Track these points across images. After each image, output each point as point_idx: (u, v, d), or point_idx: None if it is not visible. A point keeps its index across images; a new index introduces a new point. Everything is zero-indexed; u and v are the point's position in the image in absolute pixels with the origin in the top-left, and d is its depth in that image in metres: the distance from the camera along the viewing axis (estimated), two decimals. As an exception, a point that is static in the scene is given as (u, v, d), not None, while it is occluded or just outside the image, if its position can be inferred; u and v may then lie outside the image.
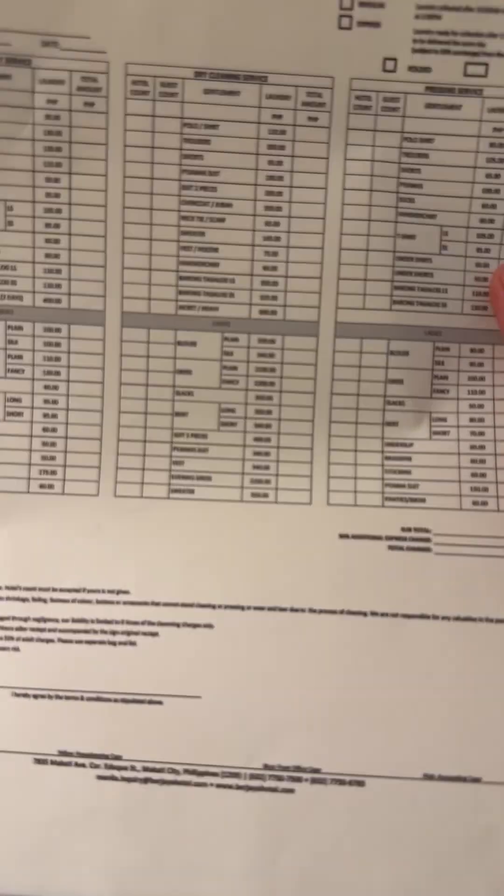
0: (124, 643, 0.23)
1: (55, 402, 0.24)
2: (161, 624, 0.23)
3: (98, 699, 0.23)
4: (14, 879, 0.22)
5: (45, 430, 0.24)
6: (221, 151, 0.23)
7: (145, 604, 0.23)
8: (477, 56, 0.22)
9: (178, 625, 0.23)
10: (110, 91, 0.22)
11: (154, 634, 0.23)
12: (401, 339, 0.24)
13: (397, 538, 0.24)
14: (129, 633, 0.23)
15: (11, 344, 0.24)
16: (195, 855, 0.22)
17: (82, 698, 0.23)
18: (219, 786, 0.22)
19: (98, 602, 0.24)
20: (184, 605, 0.23)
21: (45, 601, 0.23)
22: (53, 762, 0.22)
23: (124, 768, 0.22)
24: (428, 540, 0.24)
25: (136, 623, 0.23)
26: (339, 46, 0.22)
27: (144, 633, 0.23)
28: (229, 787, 0.22)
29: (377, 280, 0.24)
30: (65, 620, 0.23)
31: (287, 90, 0.23)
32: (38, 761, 0.22)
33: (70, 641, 0.23)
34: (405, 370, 0.24)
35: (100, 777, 0.22)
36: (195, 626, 0.23)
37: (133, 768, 0.22)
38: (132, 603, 0.24)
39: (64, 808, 0.22)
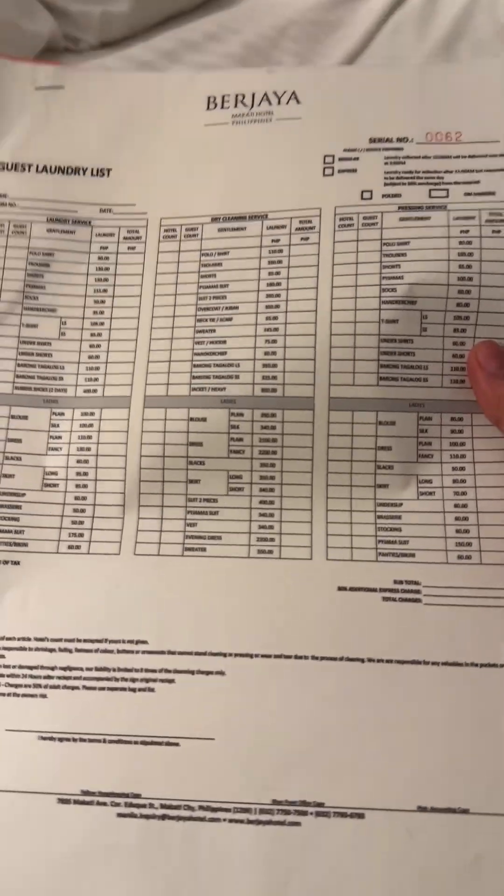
0: (143, 689, 0.25)
1: (86, 474, 0.28)
2: (177, 671, 0.25)
3: (119, 741, 0.24)
4: None
5: (76, 498, 0.28)
6: (230, 269, 0.29)
7: (162, 653, 0.25)
8: (438, 185, 0.28)
9: (192, 672, 0.25)
10: (147, 238, 0.30)
11: (171, 681, 0.25)
12: (388, 410, 0.27)
13: (390, 590, 0.25)
14: (147, 681, 0.25)
15: (54, 427, 0.28)
16: (209, 885, 0.22)
17: (104, 741, 0.24)
18: (231, 820, 0.23)
19: (119, 651, 0.25)
20: (197, 653, 0.25)
21: (70, 651, 0.25)
22: (76, 801, 0.23)
23: (143, 805, 0.23)
24: (418, 591, 0.25)
25: (154, 671, 0.25)
26: (325, 187, 0.29)
27: (162, 680, 0.25)
28: (241, 821, 0.23)
29: (365, 360, 0.27)
30: (88, 669, 0.25)
31: (283, 221, 0.29)
32: (62, 801, 0.23)
33: (93, 688, 0.25)
34: (393, 438, 0.27)
35: (120, 815, 0.23)
36: (208, 673, 0.25)
37: (151, 805, 0.23)
38: (150, 652, 0.25)
39: (85, 845, 0.23)
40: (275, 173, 0.29)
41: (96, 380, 0.29)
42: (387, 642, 0.25)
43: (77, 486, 0.28)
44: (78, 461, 0.28)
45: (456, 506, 0.26)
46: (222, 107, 0.30)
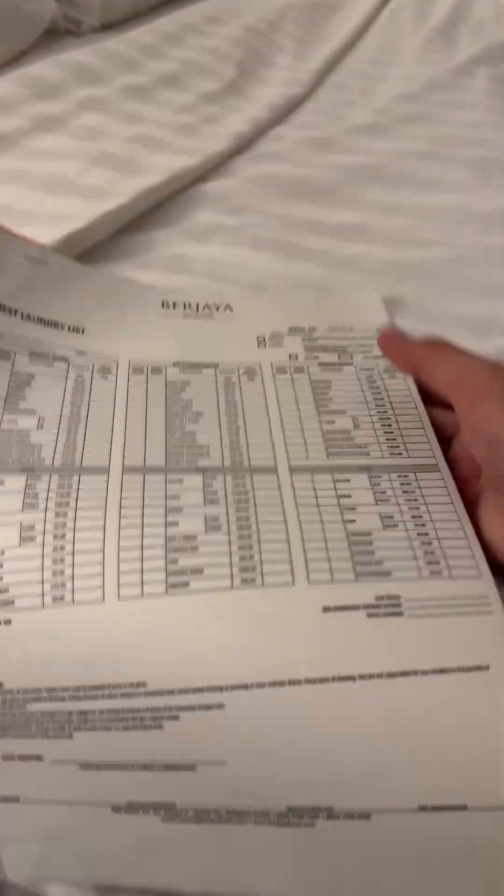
0: (153, 727, 0.25)
1: (64, 524, 0.29)
2: (179, 709, 0.25)
3: (145, 768, 0.25)
4: (126, 876, 0.24)
5: (54, 549, 0.28)
6: (192, 394, 0.36)
7: (162, 693, 0.25)
8: (343, 352, 0.38)
9: (193, 708, 0.25)
10: (118, 373, 0.36)
11: (175, 718, 0.25)
12: (341, 472, 0.32)
13: (374, 606, 0.27)
14: (154, 719, 0.25)
15: (30, 487, 0.30)
16: (251, 866, 0.24)
17: (133, 768, 0.24)
18: (255, 822, 0.24)
19: (122, 696, 0.25)
20: (195, 690, 0.25)
21: (79, 699, 0.25)
22: (126, 810, 0.24)
23: (179, 813, 0.24)
24: (399, 605, 0.27)
25: (158, 710, 0.25)
26: (260, 354, 0.38)
27: (167, 718, 0.25)
28: (263, 823, 0.24)
29: (314, 444, 0.33)
30: (101, 712, 0.25)
31: (232, 368, 0.37)
32: (115, 810, 0.24)
33: (109, 729, 0.25)
34: (350, 489, 0.31)
35: (163, 820, 0.24)
36: (208, 707, 0.25)
37: (186, 813, 0.24)
38: (151, 693, 0.25)
39: (144, 839, 0.24)
40: (221, 346, 0.38)
41: (74, 452, 0.31)
42: (375, 657, 0.26)
43: (55, 537, 0.28)
44: (56, 515, 0.29)
45: (419, 534, 0.29)
46: (174, 308, 0.40)
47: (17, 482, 0.30)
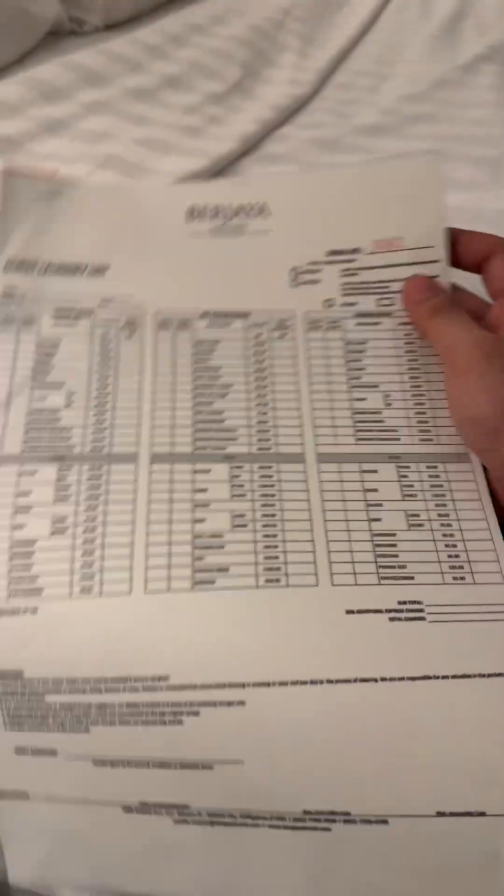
0: (172, 722, 0.25)
1: (94, 517, 0.29)
2: (200, 704, 0.25)
3: (161, 766, 0.25)
4: (130, 884, 0.25)
5: (84, 542, 0.28)
6: (221, 356, 0.33)
7: (184, 688, 0.25)
8: (384, 295, 0.34)
9: (214, 704, 0.25)
10: (146, 327, 0.34)
11: (196, 713, 0.25)
12: (369, 462, 0.31)
13: (396, 610, 0.27)
14: (175, 714, 0.25)
15: (61, 479, 0.30)
16: (261, 873, 0.24)
17: (149, 765, 0.25)
18: (270, 826, 0.24)
19: (144, 689, 0.25)
20: (217, 685, 0.25)
21: (100, 691, 0.25)
22: (138, 811, 0.25)
23: (193, 814, 0.24)
24: (422, 610, 0.27)
25: (179, 704, 0.25)
26: (294, 296, 0.34)
27: (187, 713, 0.25)
28: (278, 827, 0.24)
29: (343, 426, 0.32)
30: (120, 706, 0.25)
31: (263, 319, 0.34)
32: (126, 810, 0.25)
33: (128, 723, 0.25)
34: (377, 482, 0.30)
35: (176, 821, 0.24)
36: (229, 704, 0.25)
37: (200, 814, 0.24)
38: (173, 688, 0.25)
39: (154, 841, 0.25)
40: (251, 282, 0.34)
41: (102, 440, 0.31)
42: (397, 660, 0.26)
43: (85, 530, 0.29)
44: (86, 508, 0.29)
45: (444, 535, 0.29)
46: (202, 219, 0.35)
47: (49, 472, 0.30)
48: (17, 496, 0.29)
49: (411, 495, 0.30)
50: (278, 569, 0.28)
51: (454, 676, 0.26)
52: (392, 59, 0.80)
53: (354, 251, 0.35)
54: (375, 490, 0.30)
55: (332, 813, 0.24)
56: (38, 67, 0.64)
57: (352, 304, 0.34)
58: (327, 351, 0.33)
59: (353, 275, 0.34)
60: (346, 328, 0.34)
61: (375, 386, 0.33)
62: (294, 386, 0.33)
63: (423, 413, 0.32)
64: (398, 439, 0.31)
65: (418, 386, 0.33)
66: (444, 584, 0.28)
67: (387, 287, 0.34)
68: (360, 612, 0.27)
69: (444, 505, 0.30)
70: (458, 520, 0.29)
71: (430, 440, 0.31)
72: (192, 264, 0.34)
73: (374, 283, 0.34)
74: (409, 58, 0.80)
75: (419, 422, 0.32)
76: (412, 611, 0.27)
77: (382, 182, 0.35)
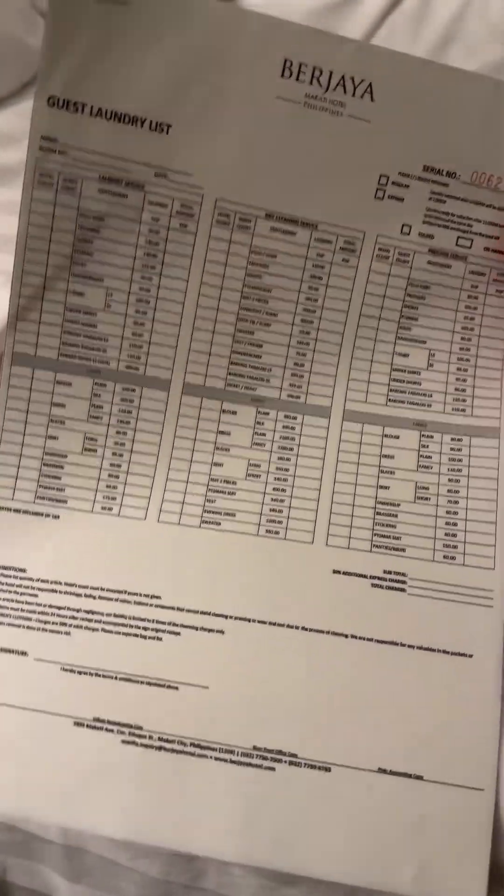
0: (152, 638, 0.28)
1: (122, 444, 0.31)
2: (183, 626, 0.29)
3: (128, 680, 0.28)
4: (54, 812, 0.27)
5: (112, 465, 0.31)
6: (276, 275, 0.31)
7: (172, 608, 0.29)
8: (466, 233, 0.31)
9: (196, 628, 0.29)
10: (201, 218, 0.29)
11: (177, 633, 0.29)
12: (393, 426, 0.31)
13: (380, 578, 0.30)
14: (157, 631, 0.29)
15: (95, 396, 0.31)
16: (193, 809, 0.26)
17: (115, 678, 0.28)
18: (216, 759, 0.27)
19: (135, 603, 0.29)
20: (202, 612, 0.29)
21: (94, 598, 0.29)
22: (89, 726, 0.27)
23: (143, 736, 0.27)
24: (404, 582, 0.29)
25: (163, 623, 0.29)
26: (373, 211, 0.30)
27: (169, 632, 0.29)
28: (224, 760, 0.27)
29: (378, 383, 0.31)
30: (108, 614, 0.29)
31: (331, 237, 0.31)
32: (77, 724, 0.27)
33: (110, 632, 0.28)
34: (396, 449, 0.31)
35: (124, 741, 0.27)
36: (210, 630, 0.29)
37: (150, 737, 0.27)
38: (162, 607, 0.29)
39: (94, 762, 0.27)
40: (333, 180, 0.29)
41: (139, 358, 0.31)
42: (371, 623, 0.29)
43: (114, 454, 0.31)
44: (117, 432, 0.31)
45: (448, 512, 0.30)
46: (297, 78, 0.28)
47: (84, 386, 0.30)
48: (52, 406, 0.30)
49: (426, 467, 0.31)
50: (280, 522, 0.30)
51: (419, 647, 0.29)
52: None
53: (450, 175, 0.30)
54: (392, 457, 0.31)
55: (280, 752, 0.27)
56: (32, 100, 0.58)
57: (429, 237, 0.31)
58: (387, 290, 0.31)
59: (440, 201, 0.30)
60: (414, 265, 0.31)
61: (423, 342, 0.31)
62: (340, 327, 0.31)
63: (464, 381, 0.31)
64: (429, 405, 0.31)
65: (467, 349, 0.31)
66: (434, 561, 0.30)
67: (470, 226, 0.31)
68: (345, 573, 0.30)
69: (458, 481, 0.31)
70: (467, 498, 0.30)
71: (463, 411, 0.31)
72: (272, 140, 0.29)
73: (459, 217, 0.30)
74: None
75: (457, 389, 0.31)
76: (395, 581, 0.29)
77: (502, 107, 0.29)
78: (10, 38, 0.58)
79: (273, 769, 0.27)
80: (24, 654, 0.28)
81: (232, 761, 0.27)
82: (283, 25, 0.28)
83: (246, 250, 0.30)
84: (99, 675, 0.28)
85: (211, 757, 0.27)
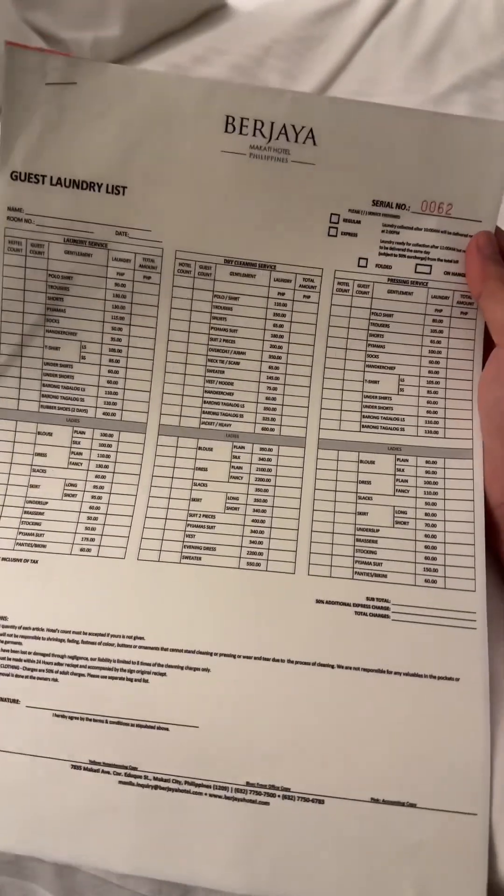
0: (139, 680, 0.28)
1: (101, 487, 0.31)
2: (168, 666, 0.28)
3: (118, 723, 0.28)
4: (56, 849, 0.26)
5: (91, 507, 0.31)
6: (240, 316, 0.32)
7: (156, 649, 0.29)
8: (424, 260, 0.32)
9: (181, 668, 0.28)
10: (163, 270, 0.31)
11: (163, 674, 0.28)
12: (368, 452, 0.31)
13: (363, 605, 0.29)
14: (142, 672, 0.28)
15: (75, 444, 0.32)
16: (193, 844, 0.26)
17: (106, 721, 0.28)
18: (211, 795, 0.27)
19: (119, 645, 0.29)
20: (187, 651, 0.29)
21: (77, 643, 0.29)
22: (86, 768, 0.27)
23: (139, 777, 0.27)
24: (387, 608, 0.29)
25: (148, 664, 0.28)
26: (328, 248, 0.32)
27: (155, 673, 0.28)
28: (219, 797, 0.27)
29: (350, 410, 0.32)
30: (93, 659, 0.29)
31: (289, 276, 0.32)
32: (74, 767, 0.27)
33: (97, 676, 0.28)
34: (372, 474, 0.31)
35: (121, 782, 0.27)
36: (195, 669, 0.28)
37: (146, 777, 0.27)
38: (146, 647, 0.29)
39: (95, 802, 0.26)
40: (285, 223, 0.31)
41: (115, 404, 0.32)
42: (356, 651, 0.28)
43: (93, 497, 0.31)
44: (96, 476, 0.31)
45: (426, 535, 0.30)
46: (240, 132, 0.30)
47: (63, 435, 0.32)
48: (35, 456, 0.32)
49: (403, 491, 0.31)
50: (260, 553, 0.30)
51: (406, 674, 0.28)
52: (370, 92, 0.77)
53: (400, 206, 0.31)
54: (368, 482, 0.31)
55: (274, 787, 0.26)
56: None
57: (387, 267, 0.31)
58: (350, 321, 0.32)
59: (394, 232, 0.31)
60: (375, 294, 0.32)
61: (392, 368, 0.32)
62: (308, 360, 0.32)
63: (435, 403, 0.31)
64: (402, 430, 0.31)
65: (436, 372, 0.32)
66: (416, 585, 0.29)
67: (427, 253, 0.31)
68: (328, 602, 0.29)
69: (434, 504, 0.30)
70: (445, 521, 0.30)
71: (436, 433, 0.31)
72: (222, 191, 0.30)
73: (415, 245, 0.31)
74: (386, 90, 0.77)
75: (428, 412, 0.31)
76: (378, 607, 0.29)
77: (446, 138, 0.30)
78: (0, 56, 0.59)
79: (267, 804, 0.26)
80: (16, 701, 0.28)
81: (227, 797, 0.27)
82: (222, 86, 0.30)
83: (209, 295, 0.32)
84: (90, 720, 0.28)
85: (206, 794, 0.27)
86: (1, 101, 0.29)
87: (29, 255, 0.31)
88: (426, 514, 0.30)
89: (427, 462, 0.31)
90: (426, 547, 0.30)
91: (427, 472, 0.31)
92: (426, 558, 0.30)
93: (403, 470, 0.31)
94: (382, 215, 0.31)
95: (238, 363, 0.32)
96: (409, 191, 0.31)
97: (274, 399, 0.32)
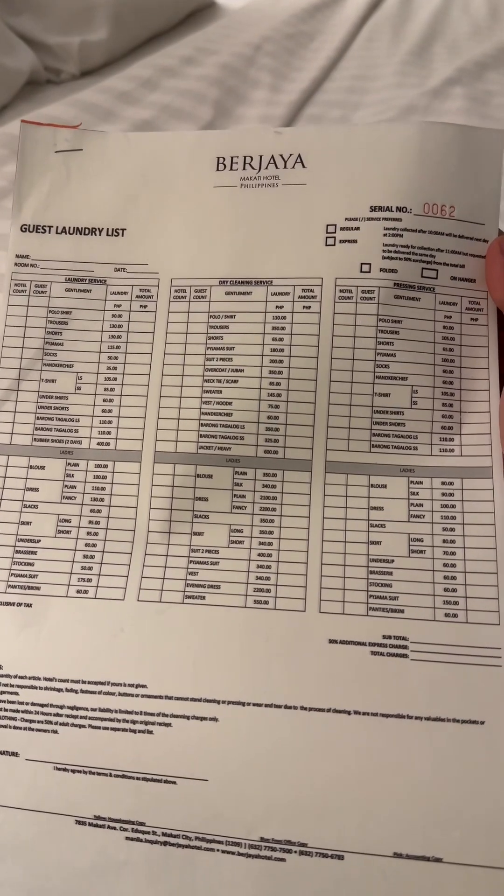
0: (143, 731, 0.27)
1: (97, 522, 0.30)
2: (173, 716, 0.27)
3: (123, 776, 0.26)
4: None
5: (86, 545, 0.29)
6: (237, 333, 0.31)
7: (160, 697, 0.27)
8: (430, 264, 0.30)
9: (187, 717, 0.27)
10: (159, 297, 0.32)
11: (167, 725, 0.27)
12: (379, 475, 0.29)
13: (379, 644, 0.27)
14: (146, 723, 0.27)
15: (68, 477, 0.30)
16: None
17: (111, 775, 0.26)
18: (223, 851, 0.25)
19: (120, 694, 0.27)
20: (192, 699, 0.27)
21: (76, 692, 0.27)
22: (90, 824, 0.26)
23: (147, 832, 0.25)
24: (405, 647, 0.27)
25: (152, 714, 0.27)
26: (326, 258, 0.30)
27: (159, 724, 0.27)
28: (232, 853, 0.25)
29: (359, 428, 0.29)
30: (93, 709, 0.27)
31: (287, 288, 0.30)
32: (79, 822, 0.26)
33: (98, 728, 0.27)
34: (385, 499, 0.29)
35: (128, 838, 0.25)
36: (202, 718, 0.27)
37: (154, 833, 0.25)
38: (149, 696, 0.27)
39: (101, 859, 0.25)
40: (280, 241, 0.30)
41: (109, 433, 0.31)
42: (373, 696, 0.26)
43: (88, 533, 0.30)
44: (91, 510, 0.30)
45: (445, 565, 0.28)
46: (231, 168, 0.31)
47: (56, 468, 0.30)
48: (26, 491, 0.30)
49: (418, 516, 0.28)
50: (268, 590, 0.28)
51: (427, 718, 0.26)
52: (363, 87, 0.76)
53: (401, 209, 0.29)
54: (381, 508, 0.29)
55: (289, 842, 0.25)
56: (10, 123, 0.64)
57: (392, 271, 0.29)
58: (356, 330, 0.30)
59: (397, 235, 0.29)
60: (382, 300, 0.29)
61: (404, 378, 0.29)
62: (312, 373, 0.30)
63: (450, 417, 0.29)
64: (415, 448, 0.29)
65: (450, 382, 0.29)
66: (435, 620, 0.27)
67: (432, 257, 0.29)
68: (342, 642, 0.27)
69: (452, 529, 0.28)
70: (464, 548, 0.28)
71: (452, 451, 0.29)
72: (216, 221, 0.31)
73: (420, 248, 0.29)
74: (379, 86, 0.76)
75: (443, 427, 0.29)
76: (396, 646, 0.27)
77: (438, 145, 0.30)
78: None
79: (283, 860, 0.25)
80: (15, 754, 0.27)
81: (240, 854, 0.25)
82: (210, 134, 0.33)
83: (205, 316, 0.31)
84: (93, 773, 0.26)
85: (218, 850, 0.25)
86: (16, 168, 0.32)
87: (32, 294, 0.32)
88: (444, 542, 0.28)
89: (443, 483, 0.29)
90: (445, 577, 0.27)
91: (443, 494, 0.28)
92: (445, 590, 0.27)
93: (418, 493, 0.29)
94: (383, 219, 0.30)
95: (236, 381, 0.30)
96: (409, 194, 0.30)
97: (276, 418, 0.30)
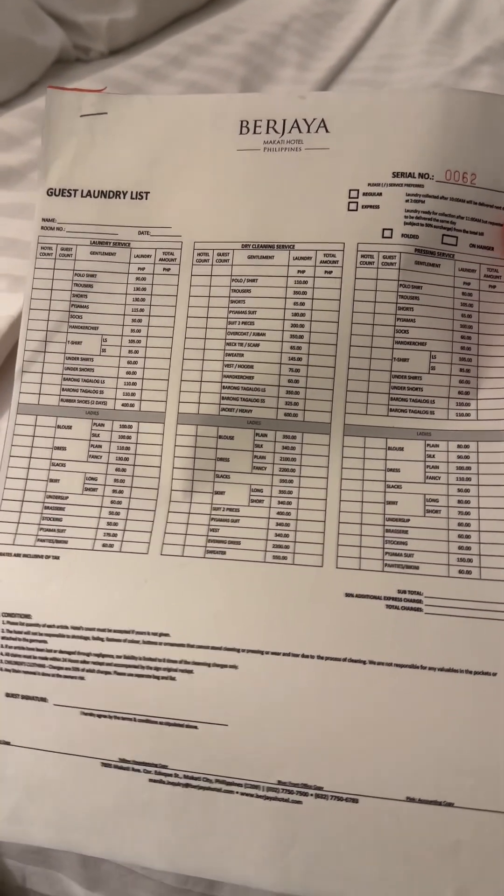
0: (166, 678, 0.28)
1: (122, 481, 0.31)
2: (195, 663, 0.28)
3: (147, 721, 0.27)
4: (88, 845, 0.26)
5: (112, 502, 0.30)
6: (259, 297, 0.31)
7: (182, 646, 0.28)
8: (450, 231, 0.30)
9: (208, 665, 0.28)
10: (182, 260, 0.32)
11: (189, 672, 0.28)
12: (397, 438, 0.30)
13: (394, 598, 0.28)
14: (169, 670, 0.28)
15: (94, 437, 0.31)
16: (225, 843, 0.25)
17: (135, 719, 0.27)
18: (242, 794, 0.26)
19: (144, 643, 0.28)
20: (213, 648, 0.28)
21: (102, 640, 0.28)
22: (116, 766, 0.27)
23: (169, 775, 0.26)
24: (420, 601, 0.28)
25: (174, 661, 0.28)
26: (349, 223, 0.31)
27: (181, 671, 0.28)
28: (251, 795, 0.26)
29: (377, 392, 0.30)
30: (118, 657, 0.28)
31: (309, 253, 0.31)
32: (104, 765, 0.27)
33: (123, 674, 0.28)
34: (401, 462, 0.30)
35: (151, 780, 0.27)
36: (222, 666, 0.28)
37: (176, 775, 0.26)
38: (171, 644, 0.28)
39: (125, 800, 0.26)
40: (302, 205, 0.31)
41: (133, 395, 0.31)
42: (388, 647, 0.27)
43: (114, 490, 0.31)
44: (116, 469, 0.31)
45: (459, 524, 0.28)
46: (254, 132, 0.32)
47: (83, 428, 0.31)
48: (54, 450, 0.31)
49: (434, 478, 0.29)
50: (287, 546, 0.29)
51: (441, 669, 0.27)
52: (390, 66, 0.75)
53: (423, 176, 0.30)
54: (397, 470, 0.29)
55: (306, 786, 0.26)
56: (40, 99, 0.63)
57: (413, 237, 0.30)
58: (377, 295, 0.30)
59: (419, 201, 0.30)
60: (403, 265, 0.30)
61: (423, 343, 0.30)
62: (332, 338, 0.30)
63: (467, 382, 0.30)
64: (432, 412, 0.30)
65: (468, 348, 0.30)
66: (449, 576, 0.28)
67: (453, 223, 0.30)
68: (358, 596, 0.28)
69: (467, 490, 0.29)
70: (479, 507, 0.28)
71: (468, 415, 0.29)
72: (239, 185, 0.31)
73: (441, 215, 0.30)
74: (407, 64, 0.75)
75: (460, 392, 0.30)
76: (410, 601, 0.28)
77: (462, 112, 0.30)
78: (16, 40, 0.61)
79: (300, 802, 0.26)
80: (43, 700, 0.28)
81: (258, 796, 0.26)
82: (234, 97, 0.33)
83: (227, 280, 0.31)
84: (118, 718, 0.27)
85: (237, 793, 0.26)
86: (42, 133, 0.33)
87: (58, 257, 0.33)
88: (458, 502, 0.29)
89: (458, 447, 0.29)
90: (459, 536, 0.28)
91: (459, 457, 0.29)
92: (459, 548, 0.28)
93: (434, 456, 0.29)
94: (405, 185, 0.30)
95: (258, 345, 0.31)
96: (431, 160, 0.30)
97: (297, 381, 0.30)
